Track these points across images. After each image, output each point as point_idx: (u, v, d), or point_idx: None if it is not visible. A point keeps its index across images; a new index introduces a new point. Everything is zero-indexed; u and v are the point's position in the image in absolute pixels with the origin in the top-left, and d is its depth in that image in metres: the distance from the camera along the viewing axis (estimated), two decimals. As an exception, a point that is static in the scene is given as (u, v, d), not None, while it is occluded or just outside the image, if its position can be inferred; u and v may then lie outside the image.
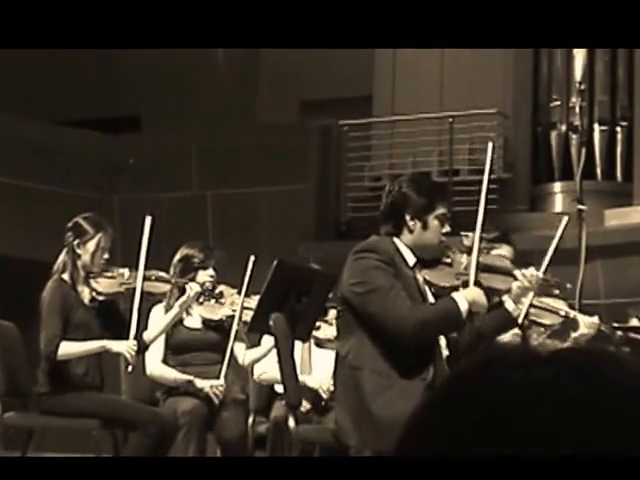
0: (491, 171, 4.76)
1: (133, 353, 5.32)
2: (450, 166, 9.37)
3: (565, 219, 5.12)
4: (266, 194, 9.88)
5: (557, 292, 4.88)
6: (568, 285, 4.88)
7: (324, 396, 5.81)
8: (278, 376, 4.98)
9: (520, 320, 4.78)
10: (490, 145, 4.84)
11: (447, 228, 4.51)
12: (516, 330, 5.08)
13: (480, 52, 9.13)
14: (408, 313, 4.36)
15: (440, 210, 4.50)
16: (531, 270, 4.68)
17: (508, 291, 4.66)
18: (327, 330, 5.72)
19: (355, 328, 4.46)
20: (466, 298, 4.40)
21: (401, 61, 9.81)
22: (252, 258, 5.56)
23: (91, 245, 5.44)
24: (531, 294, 4.72)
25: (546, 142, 9.40)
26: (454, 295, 4.42)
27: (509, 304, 4.64)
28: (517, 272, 4.66)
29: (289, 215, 9.74)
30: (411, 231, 4.48)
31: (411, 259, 4.51)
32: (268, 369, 5.79)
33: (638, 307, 6.32)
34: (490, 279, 4.56)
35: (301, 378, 5.49)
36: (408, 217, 4.47)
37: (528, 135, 9.54)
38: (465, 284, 4.52)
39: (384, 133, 9.85)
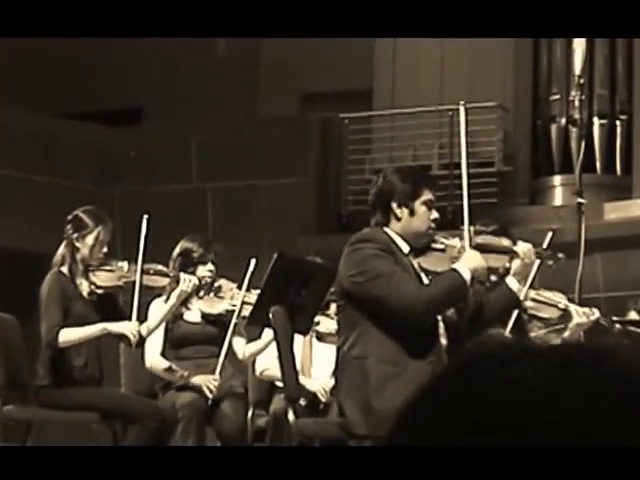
0: (467, 143, 4.83)
1: (136, 333, 5.32)
2: (450, 159, 9.37)
3: (550, 234, 5.13)
4: (266, 187, 9.88)
5: (551, 263, 4.88)
6: (560, 255, 4.88)
7: (322, 400, 5.78)
8: (279, 374, 4.98)
9: (522, 297, 4.79)
10: (462, 110, 4.89)
11: (435, 214, 4.53)
12: (515, 319, 5.09)
13: (480, 45, 9.13)
14: (416, 293, 4.39)
15: (426, 196, 4.52)
16: (526, 245, 4.69)
17: (505, 269, 4.67)
18: (328, 324, 5.72)
19: (358, 319, 4.46)
20: (467, 266, 4.43)
21: (401, 54, 9.80)
22: (253, 261, 5.54)
23: (90, 238, 5.45)
24: (534, 268, 4.75)
25: (546, 135, 9.40)
26: (455, 266, 4.45)
27: (513, 283, 4.65)
28: (516, 247, 4.67)
29: (290, 208, 9.74)
30: (399, 219, 4.50)
31: (405, 247, 4.53)
32: (270, 365, 5.79)
33: (637, 300, 6.33)
34: (485, 258, 4.58)
35: (300, 380, 5.46)
36: (395, 205, 4.50)
37: (528, 128, 9.54)
38: None
39: (384, 126, 9.85)
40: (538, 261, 4.81)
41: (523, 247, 4.68)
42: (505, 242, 5.07)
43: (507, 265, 4.68)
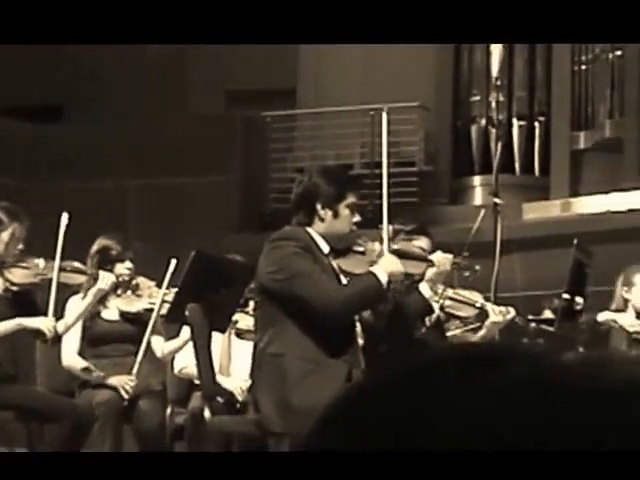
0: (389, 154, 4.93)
1: (52, 329, 5.26)
2: (372, 159, 9.43)
3: (482, 211, 5.23)
4: (190, 185, 9.85)
5: (467, 274, 4.99)
6: (477, 267, 4.99)
7: (239, 398, 5.78)
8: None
9: (435, 305, 4.91)
10: (384, 119, 4.98)
11: (358, 217, 4.58)
12: (433, 318, 5.16)
13: (403, 47, 9.20)
14: (334, 292, 4.45)
15: (350, 199, 4.56)
16: (442, 254, 4.79)
17: (422, 276, 4.76)
18: (247, 321, 5.72)
19: (276, 316, 4.48)
20: (384, 270, 4.49)
21: (325, 54, 9.85)
22: (173, 261, 5.50)
23: (5, 235, 5.39)
24: (444, 277, 4.86)
25: (466, 136, 9.51)
26: (372, 269, 4.51)
27: (425, 290, 4.75)
28: (432, 256, 4.77)
29: (213, 206, 9.72)
30: (322, 220, 4.54)
31: (325, 247, 4.57)
32: (188, 363, 5.77)
33: (552, 299, 6.42)
34: (403, 265, 4.64)
35: (218, 378, 5.45)
36: (319, 206, 4.53)
37: (449, 129, 9.65)
38: None
39: (307, 125, 9.89)
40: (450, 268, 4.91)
41: (439, 256, 4.78)
42: (424, 245, 5.13)
43: (424, 272, 4.78)
